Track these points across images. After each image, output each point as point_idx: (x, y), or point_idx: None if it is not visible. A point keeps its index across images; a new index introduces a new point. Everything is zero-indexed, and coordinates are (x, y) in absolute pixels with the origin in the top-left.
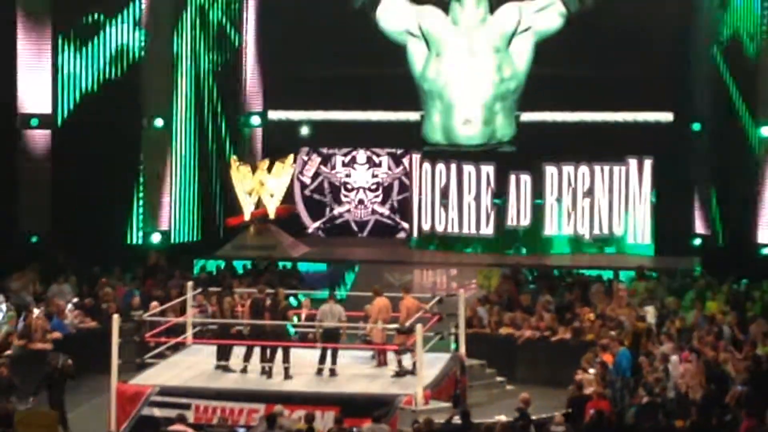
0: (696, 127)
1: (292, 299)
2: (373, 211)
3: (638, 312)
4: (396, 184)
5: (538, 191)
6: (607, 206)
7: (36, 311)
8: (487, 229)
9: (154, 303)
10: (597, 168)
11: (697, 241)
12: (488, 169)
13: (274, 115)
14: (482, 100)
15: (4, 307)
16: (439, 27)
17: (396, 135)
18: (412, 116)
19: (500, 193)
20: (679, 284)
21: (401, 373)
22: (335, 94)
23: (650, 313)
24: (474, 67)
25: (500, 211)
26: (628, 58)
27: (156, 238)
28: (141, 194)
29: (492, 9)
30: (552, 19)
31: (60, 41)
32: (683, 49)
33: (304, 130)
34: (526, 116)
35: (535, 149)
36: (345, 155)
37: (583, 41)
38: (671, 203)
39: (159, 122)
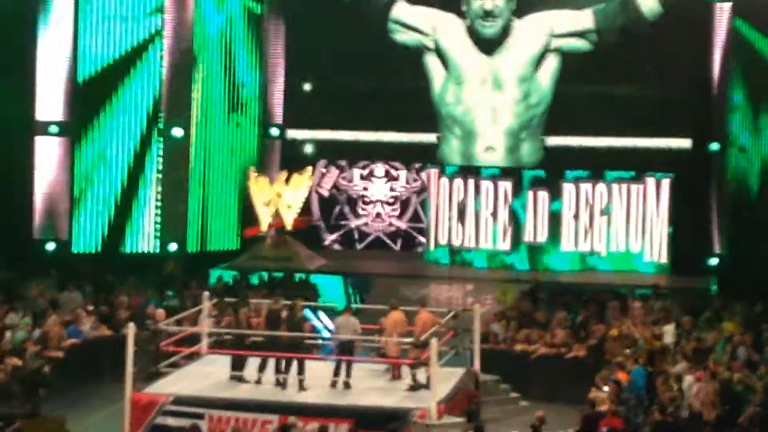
0: (714, 147)
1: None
2: (390, 225)
3: (654, 330)
4: (413, 198)
5: (555, 202)
6: (624, 224)
7: (52, 318)
8: (504, 245)
9: (161, 311)
10: (615, 186)
11: (714, 261)
12: (506, 185)
13: (291, 134)
14: (507, 128)
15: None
16: (458, 47)
17: (412, 154)
18: (427, 138)
19: (520, 204)
20: (694, 304)
21: (415, 386)
22: (348, 112)
23: (669, 332)
24: (498, 99)
25: (517, 226)
26: (648, 82)
27: (172, 247)
28: (159, 203)
29: (520, 13)
30: (581, 43)
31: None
32: (704, 74)
33: (309, 149)
34: (552, 140)
35: (556, 169)
36: (363, 168)
37: (608, 62)
38: (688, 222)
39: (178, 131)
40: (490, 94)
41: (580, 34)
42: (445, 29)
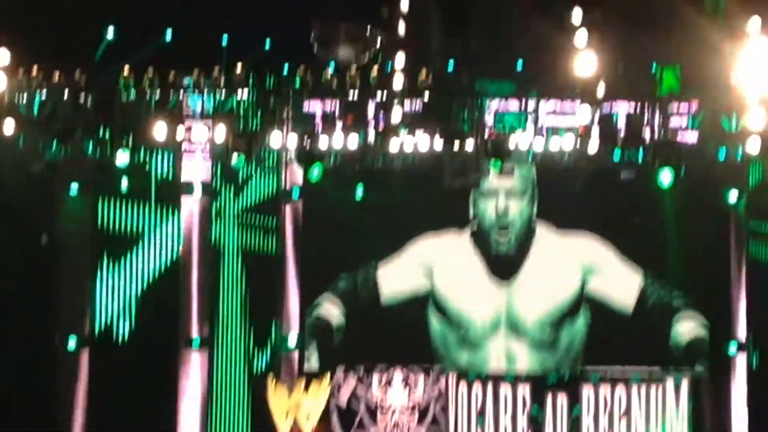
0: (732, 351)
1: None
2: None
3: None
4: (432, 405)
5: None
6: (644, 427)
7: None
8: None
9: None
10: (634, 388)
11: None
12: (525, 389)
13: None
14: (527, 374)
15: None
16: (460, 281)
17: None
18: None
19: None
20: None
21: None
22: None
23: None
24: (515, 345)
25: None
26: None
27: None
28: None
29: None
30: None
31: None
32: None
33: (314, 362)
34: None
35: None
36: (381, 375)
37: None
38: (709, 424)
39: (197, 343)
40: (503, 341)
41: (620, 306)
42: (441, 263)
